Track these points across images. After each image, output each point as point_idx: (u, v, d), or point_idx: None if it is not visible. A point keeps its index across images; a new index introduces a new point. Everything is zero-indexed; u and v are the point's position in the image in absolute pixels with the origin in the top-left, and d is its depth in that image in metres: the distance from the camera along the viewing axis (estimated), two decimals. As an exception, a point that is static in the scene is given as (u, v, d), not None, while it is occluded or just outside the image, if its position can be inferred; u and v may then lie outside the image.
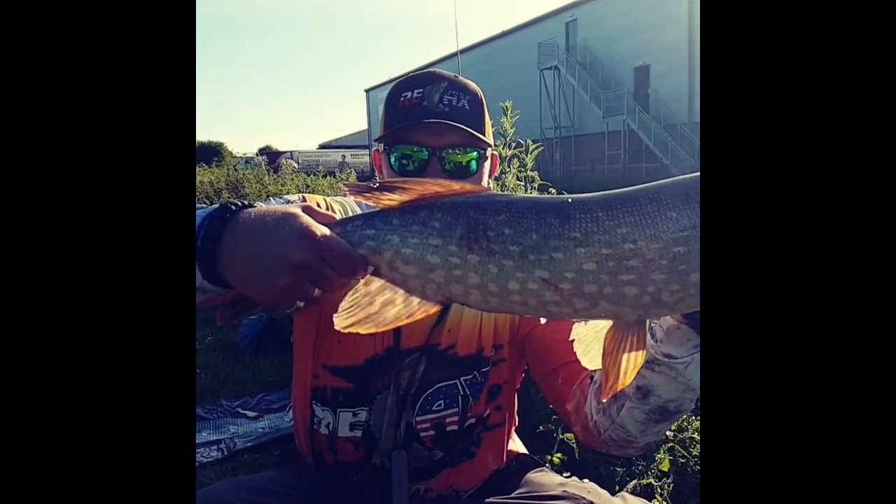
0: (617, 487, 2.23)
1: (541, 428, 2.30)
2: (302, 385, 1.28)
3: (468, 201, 0.76)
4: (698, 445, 2.37)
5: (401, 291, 0.78)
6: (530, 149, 3.02)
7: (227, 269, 0.77)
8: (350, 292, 0.79)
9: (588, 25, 27.11)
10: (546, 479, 1.29)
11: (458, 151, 1.14)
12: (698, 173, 0.66)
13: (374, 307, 0.78)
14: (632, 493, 2.18)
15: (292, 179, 9.97)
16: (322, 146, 59.93)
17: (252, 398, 3.48)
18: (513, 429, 1.40)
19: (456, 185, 0.77)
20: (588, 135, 26.74)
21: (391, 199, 0.78)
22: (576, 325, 0.81)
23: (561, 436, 2.24)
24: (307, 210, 0.79)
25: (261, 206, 0.82)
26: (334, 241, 0.75)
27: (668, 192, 0.71)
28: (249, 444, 2.95)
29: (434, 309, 0.78)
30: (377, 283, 0.78)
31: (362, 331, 0.78)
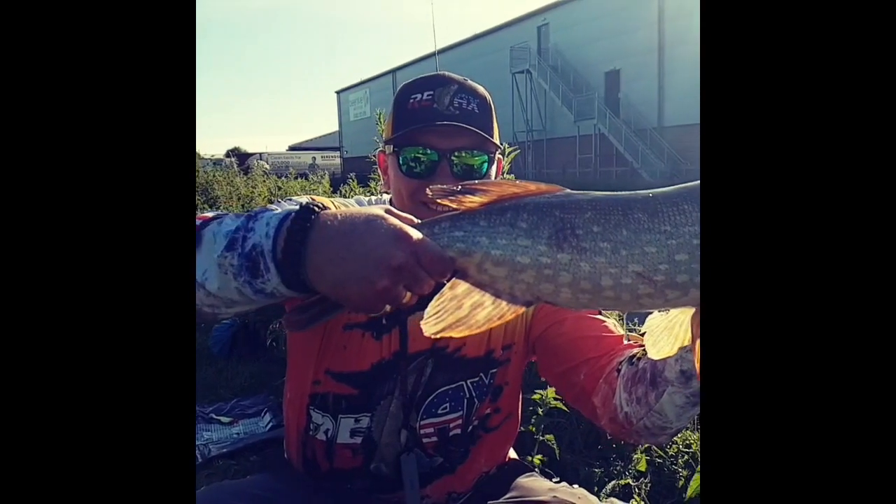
0: (596, 488, 2.25)
1: (521, 429, 2.30)
2: (297, 390, 1.26)
3: (551, 201, 0.77)
4: (674, 445, 2.40)
5: (488, 293, 0.78)
6: (506, 151, 3.04)
7: (317, 272, 0.77)
8: (436, 297, 0.80)
9: (560, 30, 27.33)
10: (536, 484, 1.29)
11: (468, 154, 1.13)
12: None
13: (462, 311, 0.79)
14: (610, 493, 2.20)
15: (263, 181, 9.86)
16: (292, 148, 59.38)
17: (226, 403, 3.43)
18: (516, 432, 1.39)
19: (532, 186, 0.79)
20: (559, 138, 26.94)
21: (473, 202, 0.79)
22: (649, 318, 0.83)
23: (541, 437, 2.25)
24: (389, 212, 0.79)
25: (339, 207, 0.82)
26: (428, 243, 0.76)
27: None
28: (224, 450, 2.91)
29: (522, 310, 0.79)
30: (463, 286, 0.79)
31: (455, 334, 0.79)
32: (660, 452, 2.39)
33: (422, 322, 0.79)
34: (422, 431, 1.23)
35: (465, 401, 1.25)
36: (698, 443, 2.36)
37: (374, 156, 3.49)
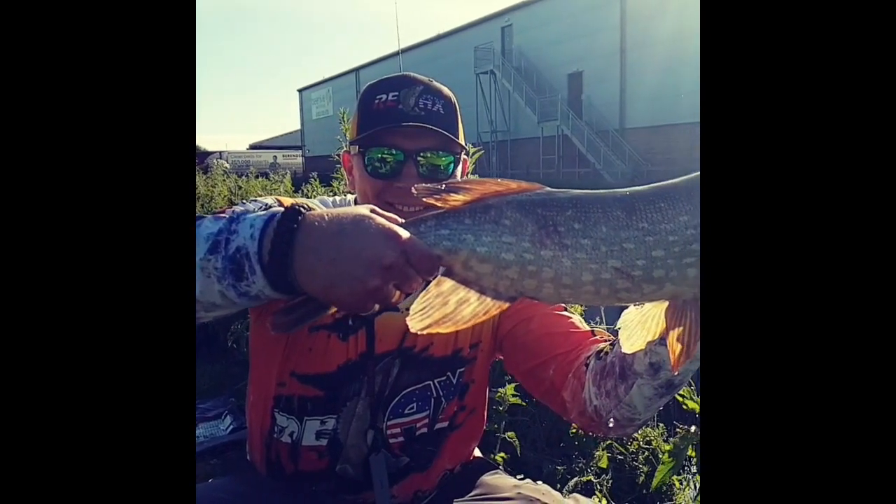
0: (558, 485, 2.28)
1: (484, 428, 2.32)
2: (261, 393, 1.24)
3: (532, 199, 0.79)
4: (635, 442, 2.45)
5: (473, 290, 0.80)
6: (471, 152, 3.05)
7: (305, 273, 0.77)
8: (421, 294, 0.81)
9: (523, 31, 27.53)
10: (501, 481, 1.31)
11: (434, 155, 1.14)
12: None
13: (449, 307, 0.80)
14: (573, 489, 2.23)
15: (223, 181, 9.68)
16: (253, 146, 58.53)
17: (186, 406, 3.36)
18: (481, 429, 1.40)
19: (513, 184, 0.80)
20: (523, 139, 27.14)
21: (456, 200, 0.80)
22: (624, 313, 0.86)
23: (503, 434, 2.27)
24: (374, 212, 0.80)
25: (322, 208, 0.82)
26: (417, 242, 0.77)
27: None
28: (184, 453, 2.85)
29: (506, 305, 0.81)
30: (448, 283, 0.81)
31: (442, 330, 0.80)
32: (621, 449, 2.43)
33: (408, 319, 0.81)
34: (388, 432, 1.23)
35: (432, 400, 1.25)
36: (658, 439, 2.41)
37: (337, 155, 3.47)
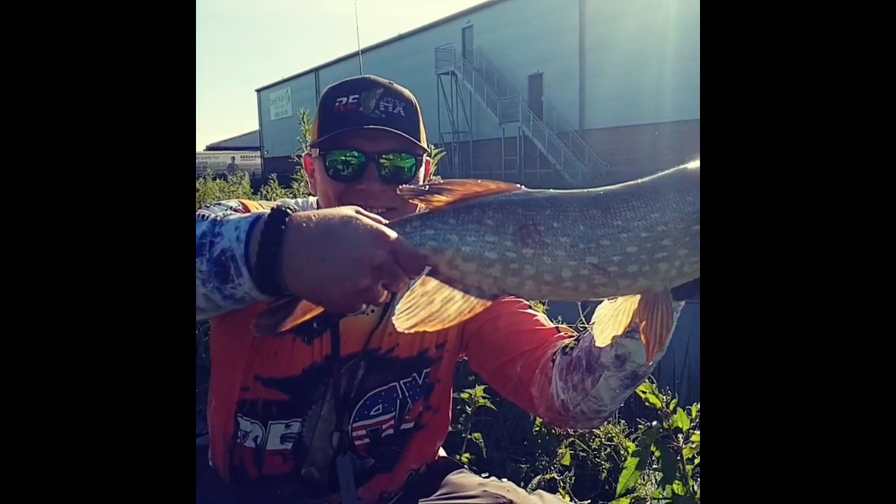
0: (522, 483, 2.29)
1: (449, 428, 2.32)
2: (224, 398, 1.22)
3: (512, 199, 0.82)
4: (597, 439, 2.48)
5: (457, 288, 0.83)
6: (433, 153, 3.05)
7: (294, 274, 0.77)
8: (407, 294, 0.83)
9: (484, 32, 27.66)
10: (466, 480, 1.32)
11: (396, 157, 1.14)
12: (696, 164, 0.78)
13: (434, 305, 0.83)
14: (536, 487, 2.25)
15: (182, 182, 9.44)
16: (210, 147, 57.53)
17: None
18: (446, 429, 1.41)
19: (492, 185, 0.83)
20: (485, 140, 27.27)
21: (440, 201, 0.83)
22: (598, 308, 0.89)
23: (468, 435, 2.28)
24: (359, 212, 0.80)
25: (307, 211, 0.82)
26: (404, 242, 0.79)
27: (682, 180, 0.81)
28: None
29: (489, 303, 0.83)
30: (433, 282, 0.83)
31: (429, 329, 0.83)
32: (583, 446, 2.46)
33: (394, 318, 0.83)
34: (354, 434, 1.23)
35: (398, 401, 1.25)
36: (620, 435, 2.45)
37: (297, 156, 3.43)
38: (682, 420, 1.62)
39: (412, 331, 0.83)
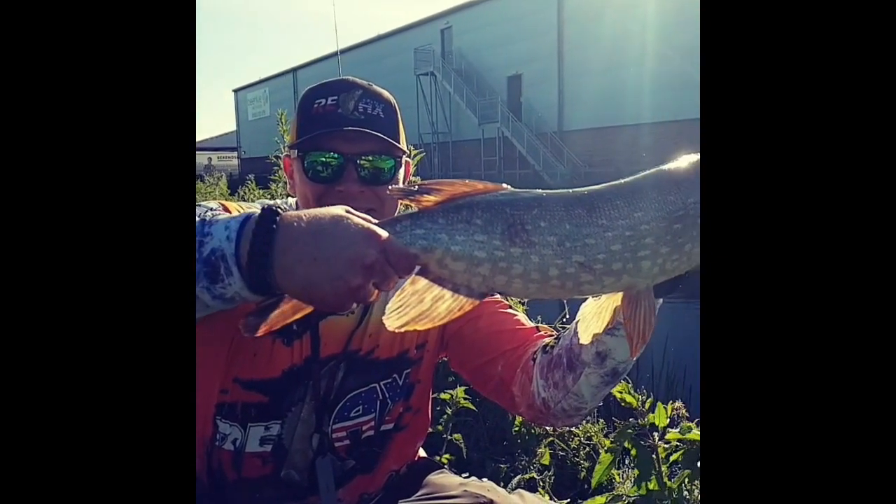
0: (502, 483, 2.30)
1: (429, 429, 2.32)
2: (202, 401, 1.20)
3: (500, 199, 0.83)
4: (576, 438, 2.49)
5: (447, 287, 0.84)
6: (412, 154, 3.05)
7: (286, 273, 0.77)
8: (397, 293, 0.84)
9: (463, 33, 27.71)
10: (447, 480, 1.32)
11: (375, 158, 1.14)
12: (679, 163, 0.82)
13: (424, 304, 0.84)
14: (516, 487, 2.25)
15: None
16: (189, 147, 56.74)
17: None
18: (426, 429, 1.41)
19: (479, 185, 0.84)
20: (465, 141, 27.32)
21: (429, 200, 0.84)
22: (583, 306, 0.91)
23: (449, 436, 2.28)
24: (349, 212, 0.81)
25: (295, 210, 0.82)
26: (395, 241, 0.80)
27: (663, 180, 0.83)
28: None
29: (478, 301, 0.85)
30: (423, 281, 0.84)
31: (419, 327, 0.84)
32: (562, 446, 2.47)
33: (384, 318, 0.84)
34: (334, 435, 1.23)
35: (378, 402, 1.25)
36: (599, 434, 2.46)
37: (275, 157, 3.41)
38: (659, 417, 1.63)
39: (402, 329, 0.84)
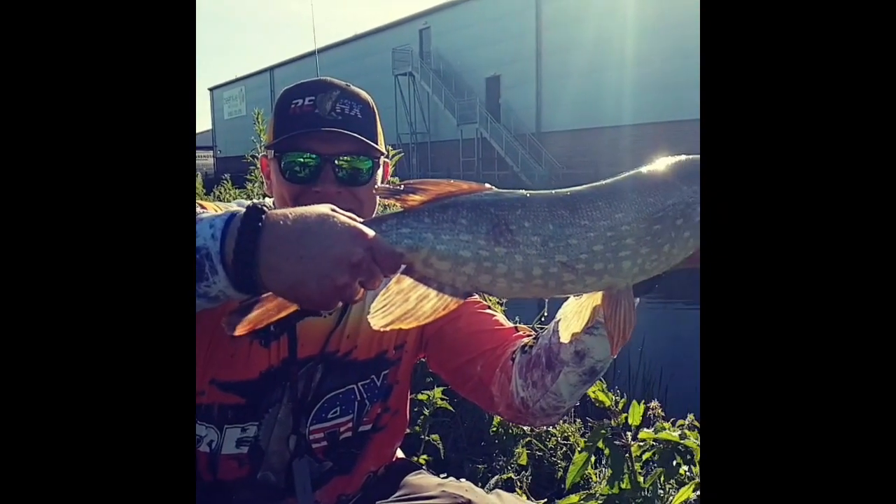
0: (480, 484, 2.30)
1: (407, 431, 2.31)
2: None
3: (485, 199, 0.84)
4: (553, 438, 2.51)
5: (431, 286, 0.84)
6: (391, 154, 3.04)
7: (271, 272, 0.76)
8: (382, 292, 0.84)
9: (441, 34, 27.72)
10: (425, 480, 1.32)
11: (353, 159, 1.14)
12: (658, 165, 0.83)
13: (409, 303, 0.84)
14: (494, 487, 2.26)
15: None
16: (164, 146, 56.04)
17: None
18: (404, 430, 1.41)
19: (464, 185, 0.85)
20: (443, 141, 27.31)
21: (414, 200, 0.84)
22: (564, 305, 0.92)
23: (426, 437, 2.28)
24: (335, 210, 0.80)
25: (279, 209, 0.82)
26: (381, 240, 0.79)
27: (643, 182, 0.85)
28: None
29: (462, 301, 0.85)
30: (408, 280, 0.84)
31: (404, 326, 0.84)
32: (540, 446, 2.48)
33: (369, 316, 0.84)
34: (311, 437, 1.22)
35: (356, 403, 1.25)
36: (576, 434, 2.48)
37: (252, 156, 3.37)
38: (633, 416, 1.65)
39: (388, 328, 0.84)
